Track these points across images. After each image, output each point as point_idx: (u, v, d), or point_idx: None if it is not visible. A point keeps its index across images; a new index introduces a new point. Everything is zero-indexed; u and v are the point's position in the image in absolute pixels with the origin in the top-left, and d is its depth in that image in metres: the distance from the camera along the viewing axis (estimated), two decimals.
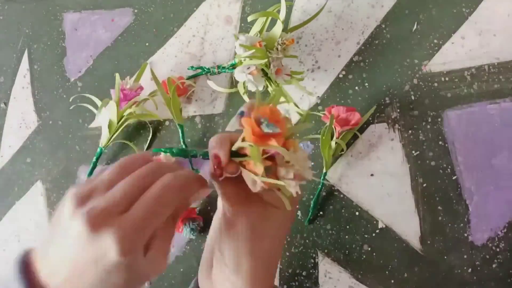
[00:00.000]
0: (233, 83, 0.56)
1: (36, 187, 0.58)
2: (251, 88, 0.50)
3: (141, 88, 0.56)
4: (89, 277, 0.28)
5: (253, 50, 0.49)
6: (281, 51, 0.50)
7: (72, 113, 0.59)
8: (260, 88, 0.50)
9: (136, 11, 0.60)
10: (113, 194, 0.29)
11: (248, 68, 0.49)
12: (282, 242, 0.39)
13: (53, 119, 0.59)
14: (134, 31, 0.59)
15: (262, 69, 0.50)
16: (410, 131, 0.54)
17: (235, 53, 0.57)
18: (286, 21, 0.54)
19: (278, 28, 0.50)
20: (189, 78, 0.56)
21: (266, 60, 0.49)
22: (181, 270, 0.55)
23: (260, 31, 0.52)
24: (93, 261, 0.28)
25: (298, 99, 0.55)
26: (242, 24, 0.58)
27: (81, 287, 0.29)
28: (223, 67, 0.54)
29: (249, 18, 0.50)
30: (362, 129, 0.54)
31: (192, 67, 0.56)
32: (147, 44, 0.59)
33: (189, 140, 0.56)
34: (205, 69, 0.56)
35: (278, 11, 0.51)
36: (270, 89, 0.52)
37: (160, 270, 0.31)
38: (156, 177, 0.30)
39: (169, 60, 0.58)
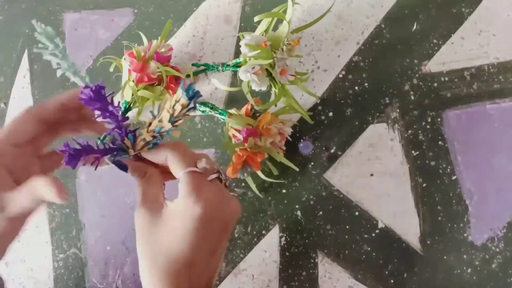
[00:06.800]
0: (237, 82, 0.57)
1: None
2: (255, 87, 0.50)
3: (171, 49, 0.54)
4: None
5: (259, 51, 0.48)
6: (286, 52, 0.49)
7: None
8: (264, 88, 0.50)
9: (136, 11, 0.60)
10: None
11: (253, 67, 0.49)
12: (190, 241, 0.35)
13: None
14: (134, 31, 0.59)
15: (267, 69, 0.50)
16: (410, 131, 0.54)
17: (235, 53, 0.57)
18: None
19: (284, 29, 0.50)
20: (193, 74, 0.56)
21: (271, 60, 0.48)
22: None
23: (266, 31, 0.51)
24: None
25: (298, 98, 0.55)
26: (242, 24, 0.58)
27: None
28: (227, 65, 0.54)
29: (256, 18, 0.49)
30: (361, 129, 0.54)
31: (196, 63, 0.56)
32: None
33: (188, 140, 0.56)
34: (210, 67, 0.56)
35: (284, 11, 0.51)
36: (273, 90, 0.51)
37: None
38: None
39: None
